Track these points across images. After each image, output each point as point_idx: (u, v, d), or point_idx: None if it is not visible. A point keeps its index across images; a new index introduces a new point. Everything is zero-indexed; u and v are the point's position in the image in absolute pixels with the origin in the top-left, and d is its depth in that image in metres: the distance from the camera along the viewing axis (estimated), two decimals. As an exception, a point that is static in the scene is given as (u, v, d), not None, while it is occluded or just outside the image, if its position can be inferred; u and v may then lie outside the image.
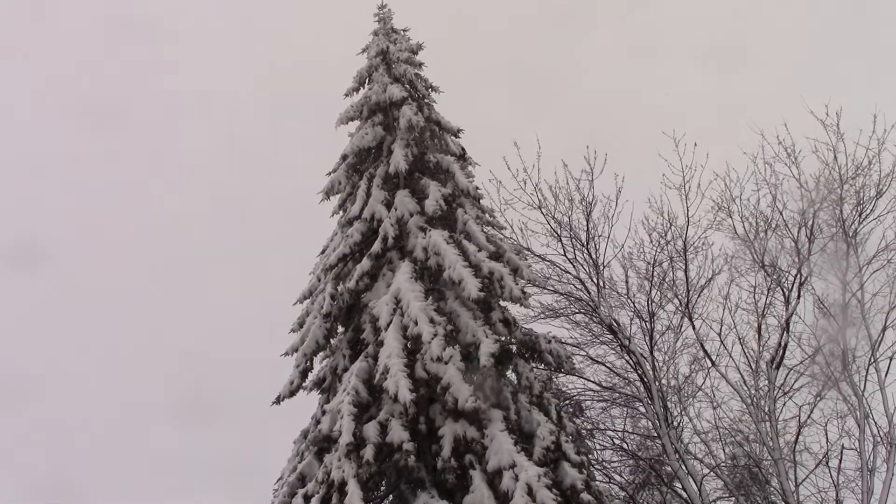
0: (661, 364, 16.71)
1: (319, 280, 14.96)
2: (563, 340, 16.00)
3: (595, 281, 16.65)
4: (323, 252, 15.61)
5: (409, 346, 12.85)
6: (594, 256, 16.64)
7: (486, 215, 15.63)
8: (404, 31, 16.27)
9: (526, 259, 15.91)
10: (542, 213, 16.75)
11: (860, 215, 16.01)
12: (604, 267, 16.74)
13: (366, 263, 14.11)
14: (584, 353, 17.10)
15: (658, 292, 16.77)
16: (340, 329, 14.80)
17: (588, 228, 16.58)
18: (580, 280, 16.74)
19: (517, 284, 13.39)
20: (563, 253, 16.81)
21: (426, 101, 15.82)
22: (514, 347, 14.45)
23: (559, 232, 16.73)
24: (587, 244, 16.61)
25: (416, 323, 12.65)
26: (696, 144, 16.11)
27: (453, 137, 15.70)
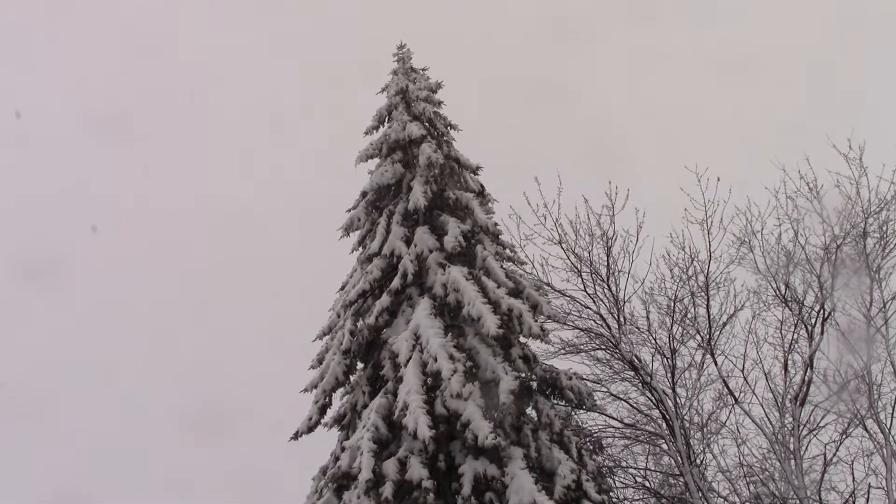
0: (683, 401, 16.58)
1: (339, 316, 15.17)
2: (583, 377, 16.04)
3: (616, 316, 16.62)
4: (342, 288, 15.85)
5: (428, 382, 13.04)
6: (615, 292, 16.62)
7: (506, 251, 15.83)
8: (423, 70, 16.69)
9: (546, 294, 16.03)
10: (563, 248, 16.74)
11: (884, 249, 15.99)
12: (624, 302, 16.69)
13: (385, 299, 14.32)
14: (606, 390, 17.01)
15: (680, 328, 16.70)
16: (360, 365, 15.00)
17: (608, 263, 16.58)
18: (600, 315, 16.72)
19: (536, 321, 13.54)
20: (583, 288, 16.79)
21: (445, 138, 16.16)
22: (534, 384, 14.63)
23: (579, 267, 16.73)
24: (608, 279, 16.60)
25: (435, 359, 12.82)
26: (718, 179, 16.17)
27: (472, 174, 15.98)
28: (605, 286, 16.66)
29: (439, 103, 16.33)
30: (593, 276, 16.68)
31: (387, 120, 16.27)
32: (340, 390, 14.77)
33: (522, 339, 14.42)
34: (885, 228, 15.99)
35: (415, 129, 15.47)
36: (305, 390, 14.71)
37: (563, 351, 17.11)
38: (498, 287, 13.83)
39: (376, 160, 16.09)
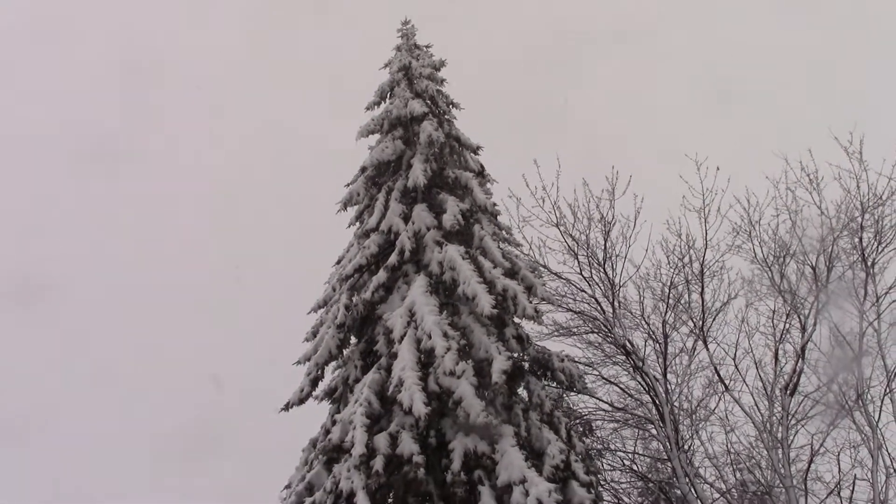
0: (673, 386, 16.72)
1: (334, 290, 15.16)
2: (575, 359, 16.11)
3: (610, 301, 16.71)
4: (338, 262, 15.83)
5: (422, 359, 13.03)
6: (610, 276, 16.72)
7: (503, 232, 15.83)
8: (427, 47, 16.59)
9: (541, 276, 16.10)
10: (560, 230, 16.84)
11: (879, 244, 16.06)
12: (620, 287, 16.79)
13: (381, 275, 14.34)
14: (597, 373, 17.13)
15: (673, 314, 16.79)
16: (353, 340, 14.99)
17: (605, 247, 16.68)
18: (595, 299, 16.82)
19: (531, 302, 13.58)
20: (579, 271, 16.90)
21: (447, 117, 16.10)
22: (526, 364, 14.64)
23: (576, 250, 16.81)
24: (604, 263, 16.69)
25: (429, 336, 12.86)
26: (718, 168, 16.20)
27: (472, 154, 15.94)
28: (601, 270, 16.75)
29: (442, 81, 16.25)
30: (590, 259, 16.77)
31: (389, 96, 16.18)
32: (333, 364, 14.80)
33: (516, 320, 14.43)
34: (881, 224, 16.06)
35: (417, 107, 15.42)
36: (298, 362, 14.72)
37: (556, 333, 17.23)
38: (494, 267, 13.85)
39: (377, 136, 16.03)
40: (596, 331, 17.15)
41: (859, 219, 16.08)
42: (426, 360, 13.00)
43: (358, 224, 15.91)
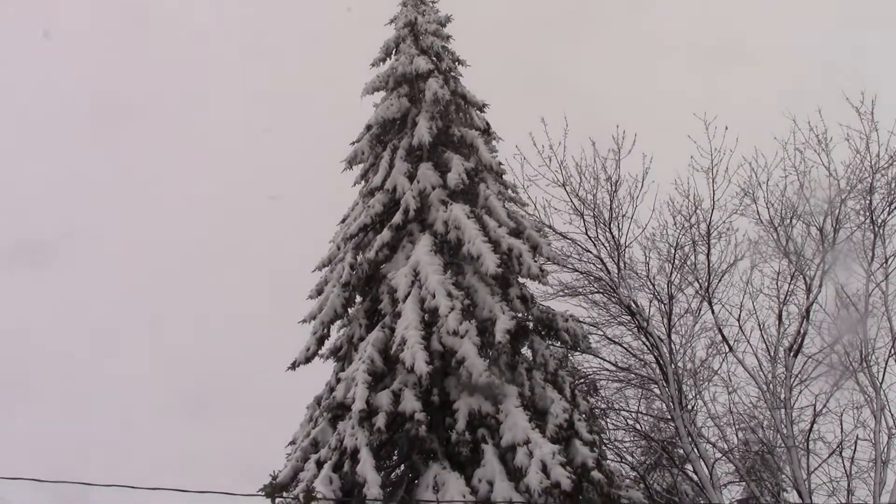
0: (678, 347, 16.70)
1: (339, 249, 15.08)
2: (580, 319, 16.01)
3: (616, 261, 16.64)
4: (343, 221, 15.74)
5: (426, 318, 13.03)
6: (616, 236, 16.65)
7: (509, 191, 15.72)
8: (433, 2, 16.32)
9: (547, 236, 16.00)
10: (566, 190, 16.74)
11: (890, 205, 15.90)
12: (625, 247, 16.73)
13: (386, 234, 14.27)
14: (601, 333, 17.14)
15: (679, 275, 16.74)
16: (358, 299, 14.96)
17: (612, 207, 16.57)
18: (601, 259, 16.75)
19: (536, 262, 13.53)
20: (584, 231, 16.84)
21: (452, 74, 15.85)
22: (530, 324, 14.56)
23: (582, 210, 16.73)
24: (610, 224, 16.61)
25: (433, 296, 12.84)
26: (726, 128, 16.01)
27: (478, 112, 15.73)
28: (607, 230, 16.67)
29: (448, 38, 15.98)
30: (596, 219, 16.71)
31: (394, 52, 15.96)
32: (338, 323, 14.77)
33: (521, 280, 14.37)
34: (892, 185, 15.89)
35: (422, 64, 15.19)
36: (304, 321, 14.69)
37: (561, 293, 17.21)
38: (499, 226, 13.78)
39: (382, 93, 15.86)
40: (601, 291, 17.12)
41: (869, 180, 15.91)
42: (430, 320, 12.98)
43: (363, 183, 15.80)
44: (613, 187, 16.52)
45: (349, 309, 14.69)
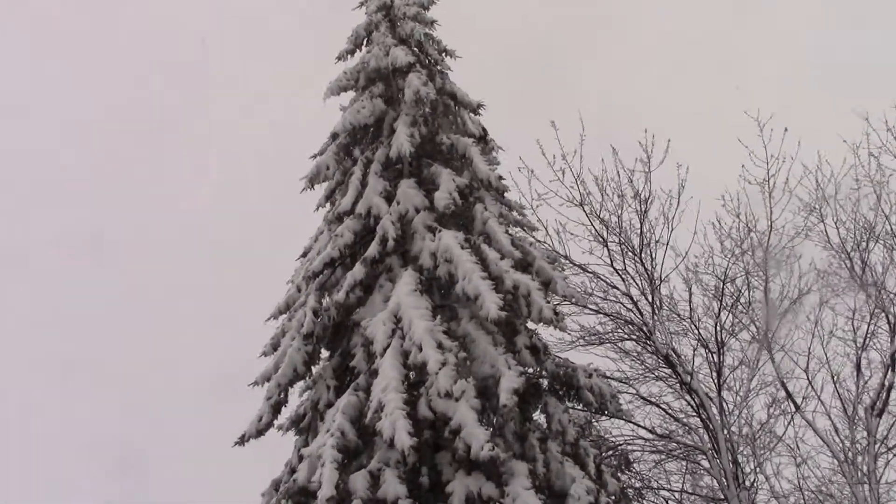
0: (731, 407, 16.56)
1: (300, 290, 14.91)
2: (607, 374, 15.90)
3: (649, 299, 16.54)
4: (304, 255, 15.59)
5: (410, 377, 12.87)
6: (649, 267, 16.52)
7: (513, 213, 15.66)
8: (413, -21, 16.33)
9: (562, 269, 15.91)
10: (585, 211, 16.69)
11: None
12: (661, 281, 16.64)
13: (358, 271, 14.08)
14: (634, 392, 17.01)
15: (730, 316, 16.67)
16: (324, 354, 14.80)
17: (642, 232, 16.50)
18: (630, 297, 16.65)
19: (549, 302, 13.29)
20: (609, 262, 16.73)
21: (438, 67, 15.83)
22: (544, 382, 14.47)
23: (605, 236, 16.67)
24: (640, 252, 16.53)
25: (420, 348, 12.56)
26: (786, 130, 15.92)
27: (472, 114, 15.69)
28: (637, 260, 16.58)
29: (432, 23, 15.91)
30: (622, 247, 16.62)
31: (365, 43, 15.96)
32: (300, 384, 14.57)
33: (531, 325, 14.19)
34: None
35: (400, 56, 15.12)
36: (255, 383, 14.49)
37: (581, 341, 17.11)
38: (501, 258, 13.56)
39: (351, 93, 15.81)
40: (632, 337, 17.02)
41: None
42: (416, 379, 12.81)
43: (328, 206, 15.72)
44: (643, 206, 16.47)
45: (313, 367, 14.45)
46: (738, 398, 16.73)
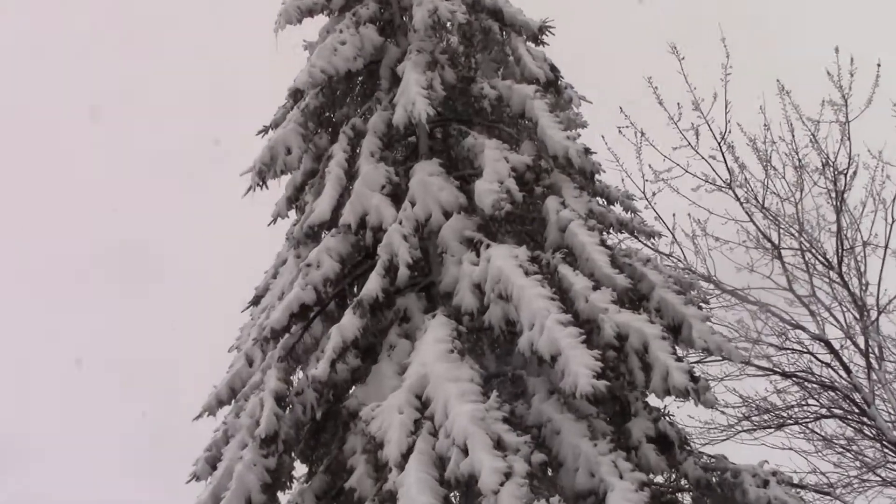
0: None
1: (251, 364, 15.26)
2: (800, 483, 16.01)
3: (860, 345, 16.63)
4: (256, 303, 16.02)
5: (453, 501, 12.95)
6: (856, 290, 16.66)
7: (613, 208, 15.97)
8: None
9: (703, 302, 15.97)
10: (737, 197, 16.93)
11: None
12: (880, 313, 16.69)
13: (350, 324, 14.08)
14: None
15: None
16: (299, 469, 15.10)
17: (840, 235, 16.62)
18: (826, 343, 16.78)
19: (682, 360, 13.18)
20: (787, 285, 16.90)
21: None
22: (684, 498, 14.71)
23: (776, 239, 16.87)
24: (840, 263, 16.65)
25: (465, 451, 12.49)
26: None
27: (531, 44, 15.90)
28: (835, 279, 16.66)
29: None
30: (807, 256, 16.81)
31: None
32: None
33: (653, 401, 14.28)
34: None
35: (404, -50, 15.36)
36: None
37: (745, 423, 17.31)
38: (594, 288, 13.57)
39: (323, 19, 16.34)
40: (834, 412, 17.14)
41: None
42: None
43: (295, 212, 16.22)
44: (839, 183, 16.62)
45: (279, 494, 14.69)
46: None
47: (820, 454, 17.37)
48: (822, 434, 17.31)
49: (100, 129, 65.43)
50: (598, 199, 15.59)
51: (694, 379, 13.09)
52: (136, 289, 57.83)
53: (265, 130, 16.15)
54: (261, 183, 15.72)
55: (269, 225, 16.38)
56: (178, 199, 63.16)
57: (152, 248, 58.79)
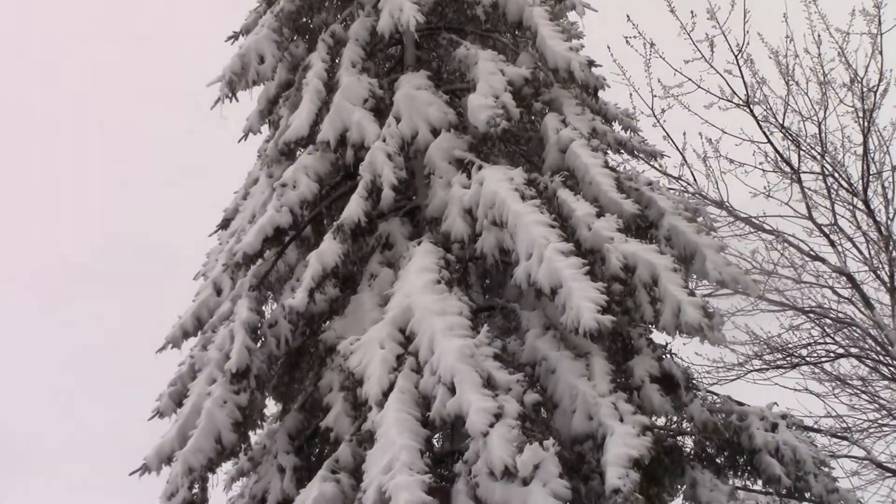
0: None
1: (219, 292, 15.18)
2: (813, 426, 16.02)
3: (886, 280, 16.62)
4: (225, 226, 16.05)
5: (435, 444, 13.69)
6: (882, 220, 16.71)
7: (617, 127, 15.81)
8: None
9: (714, 231, 15.74)
10: (755, 116, 16.82)
11: None
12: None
13: (330, 250, 13.88)
14: (864, 454, 16.97)
15: None
16: (272, 407, 15.13)
17: (866, 152, 16.56)
18: (849, 277, 16.73)
19: (693, 294, 12.93)
20: (806, 213, 16.98)
21: None
22: (686, 442, 14.81)
23: (796, 163, 16.78)
24: (865, 191, 16.63)
25: (451, 389, 12.25)
26: None
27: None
28: (861, 207, 16.75)
29: None
30: (829, 181, 16.88)
31: None
32: (228, 466, 14.94)
33: (659, 337, 14.05)
34: None
35: None
36: (144, 470, 14.36)
37: (756, 362, 17.43)
38: (598, 214, 13.28)
39: None
40: (851, 351, 17.17)
41: None
42: (446, 448, 13.49)
43: (268, 128, 16.16)
44: (868, 102, 16.49)
45: (251, 434, 14.86)
46: None
47: (834, 395, 17.24)
48: (840, 375, 17.16)
49: (99, 128, 68.16)
50: (601, 118, 15.60)
51: (708, 315, 12.82)
52: (136, 289, 58.24)
53: (235, 37, 16.12)
54: (230, 94, 15.83)
55: (239, 141, 16.41)
56: (179, 195, 62.53)
57: (152, 245, 58.54)
